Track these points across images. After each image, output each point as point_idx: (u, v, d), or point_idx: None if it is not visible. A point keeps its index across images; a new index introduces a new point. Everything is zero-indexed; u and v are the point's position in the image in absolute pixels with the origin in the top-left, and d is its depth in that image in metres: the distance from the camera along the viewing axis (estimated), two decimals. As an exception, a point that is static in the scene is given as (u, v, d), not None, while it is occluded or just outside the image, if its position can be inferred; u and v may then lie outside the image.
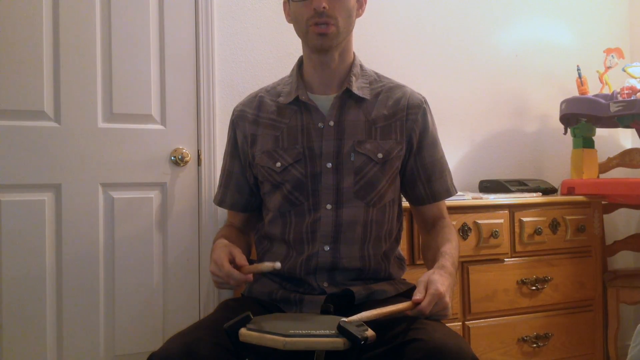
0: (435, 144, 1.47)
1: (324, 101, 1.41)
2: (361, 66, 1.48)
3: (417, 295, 1.17)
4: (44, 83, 1.87)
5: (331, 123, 1.39)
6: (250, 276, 1.26)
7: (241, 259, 1.26)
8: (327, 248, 1.35)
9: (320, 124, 1.39)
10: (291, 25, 1.44)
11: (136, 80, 1.98)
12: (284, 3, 1.44)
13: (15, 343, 1.82)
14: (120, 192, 1.95)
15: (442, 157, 1.49)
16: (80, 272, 1.89)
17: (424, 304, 1.15)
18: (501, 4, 2.61)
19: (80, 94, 1.91)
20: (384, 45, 2.37)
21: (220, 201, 1.53)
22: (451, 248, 1.36)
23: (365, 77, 1.46)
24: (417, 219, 1.54)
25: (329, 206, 1.36)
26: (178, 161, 2.01)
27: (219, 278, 1.25)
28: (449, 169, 1.51)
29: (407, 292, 1.43)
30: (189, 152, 2.03)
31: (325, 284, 1.36)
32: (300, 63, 1.48)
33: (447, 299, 1.19)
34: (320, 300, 1.28)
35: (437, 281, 1.19)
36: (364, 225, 1.37)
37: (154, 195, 2.00)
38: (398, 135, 1.41)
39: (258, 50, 2.17)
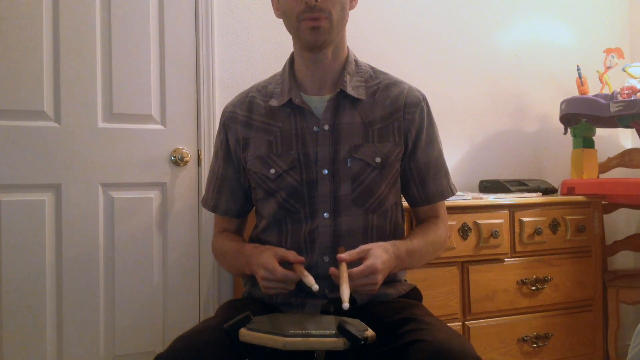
0: (431, 143, 1.41)
1: (318, 103, 1.35)
2: (356, 62, 1.41)
3: (346, 256, 1.18)
4: (44, 83, 1.87)
5: (326, 127, 1.33)
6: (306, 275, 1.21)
7: (295, 256, 1.24)
8: (326, 259, 1.31)
9: (315, 128, 1.33)
10: None
11: (136, 80, 1.97)
12: None
13: (15, 343, 1.82)
14: (120, 192, 1.95)
15: (438, 157, 1.43)
16: (80, 272, 1.89)
17: (355, 270, 1.15)
18: (501, 4, 2.61)
19: (80, 94, 1.91)
20: (383, 46, 2.36)
21: (213, 207, 1.46)
22: (421, 242, 1.34)
23: (361, 74, 1.39)
24: (414, 219, 1.50)
25: (326, 215, 1.31)
26: (178, 161, 2.01)
27: (272, 282, 1.21)
28: (446, 170, 1.45)
29: (409, 294, 1.41)
30: (189, 152, 2.03)
31: (327, 290, 1.31)
32: (291, 61, 1.41)
33: (379, 278, 1.18)
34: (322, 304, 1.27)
35: (379, 257, 1.19)
36: (363, 233, 1.33)
37: (154, 195, 2.00)
38: (396, 136, 1.36)
39: (258, 50, 2.17)
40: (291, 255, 1.24)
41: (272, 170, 1.34)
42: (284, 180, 1.33)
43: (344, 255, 1.20)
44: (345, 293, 1.10)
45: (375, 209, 1.34)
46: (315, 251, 1.32)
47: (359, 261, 1.20)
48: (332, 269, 1.19)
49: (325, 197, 1.32)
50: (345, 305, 1.07)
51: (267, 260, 1.21)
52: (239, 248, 1.36)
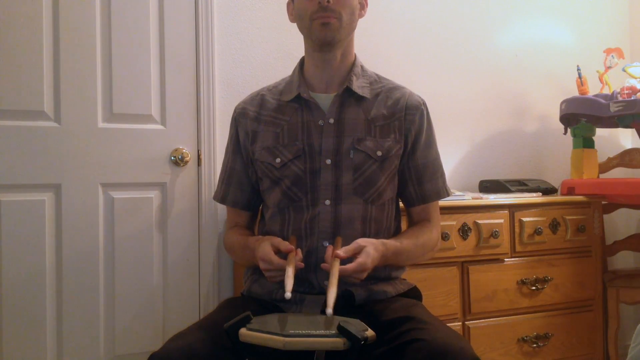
0: (429, 145, 1.48)
1: (325, 99, 1.43)
2: (362, 67, 1.49)
3: (341, 253, 1.22)
4: (44, 83, 1.87)
5: (331, 120, 1.40)
6: (300, 261, 1.26)
7: (286, 246, 1.27)
8: (326, 244, 1.35)
9: (320, 121, 1.41)
10: (291, 25, 1.45)
11: (136, 80, 1.98)
12: (288, 3, 1.47)
13: (15, 342, 1.82)
14: (120, 192, 1.95)
15: (436, 159, 1.50)
16: (80, 272, 1.89)
17: (349, 268, 1.20)
18: (501, 4, 2.61)
19: (80, 94, 1.91)
20: (384, 46, 2.37)
21: (222, 198, 1.53)
22: (411, 244, 1.40)
23: (366, 77, 1.48)
24: (408, 221, 1.54)
25: (327, 202, 1.37)
26: (178, 161, 2.01)
27: (272, 272, 1.25)
28: (442, 172, 1.51)
29: (407, 292, 1.43)
30: (189, 152, 2.03)
31: (326, 283, 1.34)
32: (302, 63, 1.49)
33: (365, 275, 1.24)
34: (321, 300, 1.29)
35: (370, 256, 1.24)
36: (362, 222, 1.38)
37: (154, 195, 2.00)
38: (397, 134, 1.42)
39: (258, 50, 2.17)
40: (282, 245, 1.28)
41: (278, 160, 1.40)
42: (288, 168, 1.39)
43: (341, 253, 1.23)
44: (331, 298, 1.12)
45: (374, 200, 1.40)
46: (315, 236, 1.36)
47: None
48: (324, 265, 1.23)
49: (327, 185, 1.38)
50: (329, 311, 1.09)
51: (264, 252, 1.26)
52: (245, 242, 1.42)
